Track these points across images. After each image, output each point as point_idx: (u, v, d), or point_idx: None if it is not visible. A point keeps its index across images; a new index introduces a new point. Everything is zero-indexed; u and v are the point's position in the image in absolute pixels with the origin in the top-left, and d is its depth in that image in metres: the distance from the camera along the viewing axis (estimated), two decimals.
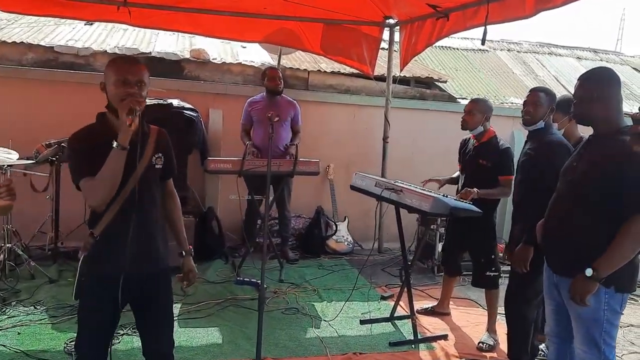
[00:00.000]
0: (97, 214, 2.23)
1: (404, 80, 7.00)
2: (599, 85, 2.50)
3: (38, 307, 4.12)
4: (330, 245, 6.16)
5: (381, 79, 6.46)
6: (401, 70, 5.93)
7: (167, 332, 2.45)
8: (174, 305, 2.54)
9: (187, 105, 5.48)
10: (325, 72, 6.81)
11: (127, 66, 2.20)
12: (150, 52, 6.31)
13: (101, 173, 2.11)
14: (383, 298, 4.83)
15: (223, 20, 5.67)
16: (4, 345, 3.50)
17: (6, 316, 3.95)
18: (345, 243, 6.24)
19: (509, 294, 3.49)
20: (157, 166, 2.32)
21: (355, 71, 6.57)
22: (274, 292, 4.78)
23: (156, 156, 2.31)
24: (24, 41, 5.96)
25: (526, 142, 3.46)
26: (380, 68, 6.57)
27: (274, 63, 6.55)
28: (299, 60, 7.09)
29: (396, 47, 6.11)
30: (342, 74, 6.85)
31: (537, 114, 3.36)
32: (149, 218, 2.29)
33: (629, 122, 2.48)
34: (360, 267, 5.22)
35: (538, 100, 3.37)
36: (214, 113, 6.07)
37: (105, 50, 6.16)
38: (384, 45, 6.34)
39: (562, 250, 2.60)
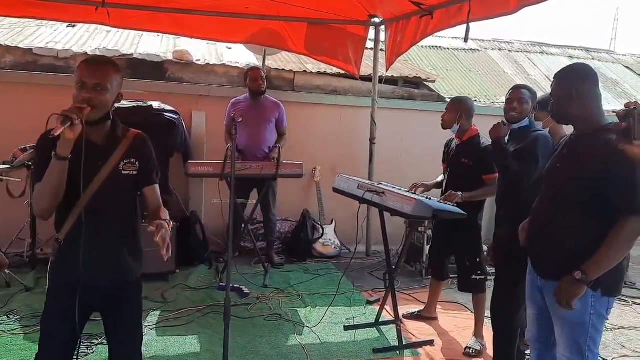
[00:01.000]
0: (61, 218, 2.13)
1: (391, 81, 6.91)
2: (575, 82, 2.41)
3: (11, 317, 3.99)
4: (317, 249, 6.05)
5: (368, 79, 6.36)
6: (387, 70, 5.84)
7: (131, 348, 2.32)
8: (146, 313, 2.44)
9: (168, 108, 5.37)
10: (311, 72, 6.71)
11: (89, 68, 2.08)
12: (132, 54, 6.21)
13: (43, 182, 2.01)
14: (369, 303, 4.73)
15: (206, 21, 5.57)
16: None
17: None
18: (333, 246, 6.13)
19: (495, 298, 3.39)
20: (125, 172, 2.18)
21: (342, 72, 6.47)
22: (257, 298, 4.66)
23: (125, 161, 2.17)
24: (2, 43, 5.85)
25: (508, 141, 3.37)
26: (367, 68, 6.47)
27: (259, 64, 6.45)
28: (284, 61, 6.99)
29: (382, 46, 6.01)
30: (329, 74, 6.75)
31: (524, 110, 3.32)
32: (111, 226, 2.17)
33: (611, 119, 2.38)
34: (344, 271, 5.11)
35: (522, 97, 3.33)
36: (197, 115, 5.96)
37: (86, 52, 6.05)
38: (370, 44, 6.24)
39: (548, 253, 2.50)
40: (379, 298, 4.76)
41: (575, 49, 11.66)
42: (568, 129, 3.24)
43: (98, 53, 6.09)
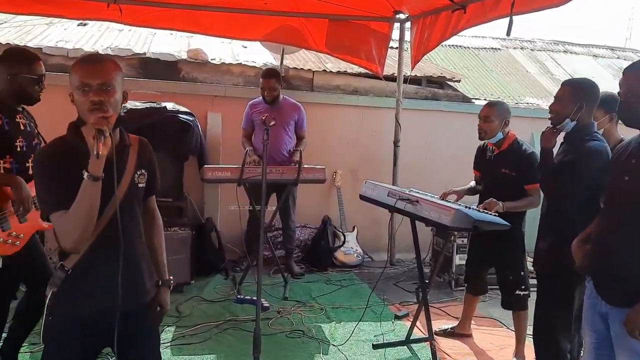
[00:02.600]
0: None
1: (415, 80, 6.59)
2: None
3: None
4: (338, 258, 5.75)
5: (391, 78, 6.05)
6: (412, 69, 5.53)
7: None
8: (160, 329, 2.19)
9: (183, 109, 5.09)
10: (331, 72, 6.41)
11: (88, 67, 1.77)
12: (144, 53, 5.95)
13: (73, 209, 1.69)
14: (397, 317, 4.41)
15: (221, 18, 5.30)
16: None
17: None
18: (355, 255, 5.82)
19: (537, 322, 3.05)
20: (140, 185, 1.94)
21: (363, 71, 6.18)
22: (277, 312, 4.37)
23: (139, 173, 1.93)
24: (11, 42, 5.61)
25: (562, 144, 3.03)
26: (390, 67, 6.17)
27: (277, 63, 6.17)
28: (303, 59, 6.70)
29: (406, 44, 5.70)
30: (349, 74, 6.45)
31: (561, 110, 2.89)
32: (134, 246, 1.91)
33: None
34: (373, 283, 4.79)
35: (561, 95, 2.91)
36: (212, 117, 5.68)
37: (97, 52, 5.79)
38: (393, 43, 5.94)
39: (617, 276, 2.19)
40: (408, 312, 4.48)
41: (599, 48, 11.26)
42: (623, 132, 2.94)
43: (110, 52, 5.84)
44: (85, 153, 1.69)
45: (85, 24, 6.83)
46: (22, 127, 2.80)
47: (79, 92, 1.74)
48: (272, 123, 2.73)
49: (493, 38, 10.47)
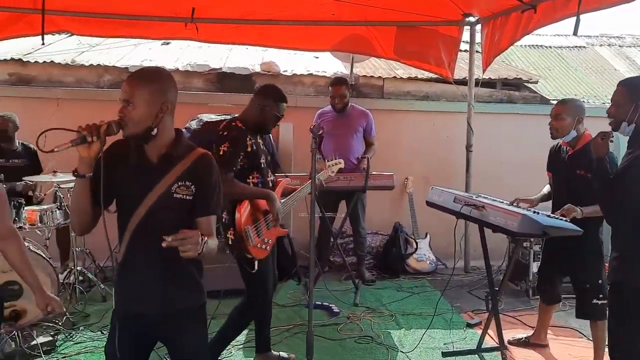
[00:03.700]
0: (119, 238, 2.01)
1: (489, 83, 6.44)
2: None
3: (105, 332, 4.02)
4: (410, 264, 5.71)
5: (462, 82, 5.95)
6: (484, 72, 5.42)
7: None
8: (207, 347, 2.27)
9: None
10: (401, 78, 6.40)
11: (124, 82, 1.95)
12: (220, 68, 6.23)
13: (71, 198, 1.96)
14: (469, 326, 4.33)
15: (292, 31, 5.48)
16: None
17: (72, 342, 3.89)
18: (428, 262, 5.76)
19: (611, 328, 2.88)
20: (176, 195, 1.98)
21: (434, 76, 6.12)
22: (347, 318, 4.42)
23: (179, 184, 1.98)
24: (101, 64, 6.07)
25: (628, 146, 2.87)
26: (461, 71, 6.08)
27: (347, 72, 6.25)
28: (373, 67, 6.74)
29: (477, 47, 5.60)
30: (420, 79, 6.41)
31: (618, 113, 2.75)
32: (159, 252, 1.92)
33: None
34: (442, 290, 4.73)
35: (616, 99, 2.76)
36: (283, 127, 5.84)
37: (177, 68, 6.15)
38: (463, 46, 5.85)
39: None
40: (481, 320, 4.37)
41: None
42: None
43: (189, 68, 6.18)
44: (128, 157, 1.96)
45: (168, 43, 7.25)
46: (262, 147, 3.27)
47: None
48: (321, 132, 2.82)
49: (577, 36, 9.97)
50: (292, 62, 6.74)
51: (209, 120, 5.12)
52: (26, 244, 3.98)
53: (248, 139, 3.14)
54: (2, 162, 4.82)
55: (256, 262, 3.14)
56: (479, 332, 3.96)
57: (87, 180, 1.89)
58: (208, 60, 6.48)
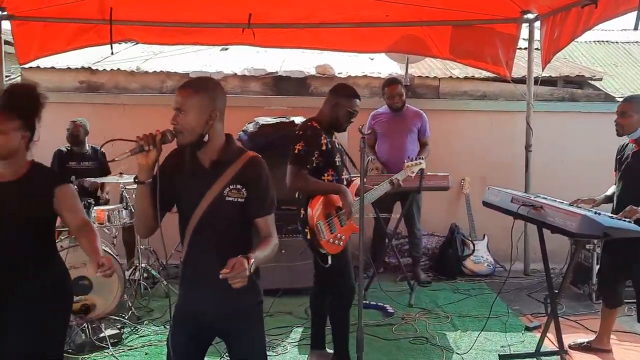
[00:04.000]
0: (182, 239, 2.12)
1: (549, 81, 6.27)
2: None
3: (167, 327, 4.18)
4: (467, 266, 5.63)
5: (522, 81, 5.82)
6: (543, 70, 5.27)
7: None
8: (290, 330, 2.34)
9: None
10: (457, 78, 6.33)
11: (176, 92, 2.05)
12: (276, 72, 6.36)
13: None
14: (528, 329, 4.23)
15: (346, 33, 5.54)
16: None
17: (137, 335, 4.08)
18: (485, 264, 5.66)
19: None
20: (228, 199, 2.05)
21: (492, 75, 6.00)
22: (402, 318, 4.42)
23: (231, 187, 2.06)
24: (163, 70, 6.33)
25: None
26: (520, 69, 5.94)
27: (402, 73, 6.24)
28: (428, 67, 6.69)
29: (537, 44, 5.46)
30: (477, 78, 6.31)
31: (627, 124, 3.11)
32: (216, 253, 2.03)
33: None
34: (503, 293, 4.62)
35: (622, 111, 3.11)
36: None
37: (235, 73, 6.33)
38: (522, 43, 5.72)
39: None
40: (540, 324, 4.25)
41: None
42: None
43: (246, 73, 6.34)
44: (188, 163, 2.08)
45: (226, 49, 7.46)
46: (337, 146, 3.38)
47: None
48: (369, 132, 2.86)
49: None
50: (347, 64, 6.79)
51: (265, 123, 5.24)
52: None
53: (322, 137, 3.23)
54: (74, 164, 5.11)
55: (329, 257, 3.21)
56: (538, 335, 3.87)
57: (148, 186, 2.00)
58: (265, 65, 6.62)
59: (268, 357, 2.35)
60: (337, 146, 3.39)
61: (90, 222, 2.52)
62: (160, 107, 5.94)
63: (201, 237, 2.07)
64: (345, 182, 3.41)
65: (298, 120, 5.34)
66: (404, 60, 6.08)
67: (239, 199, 2.06)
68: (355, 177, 3.71)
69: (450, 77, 6.35)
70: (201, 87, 2.05)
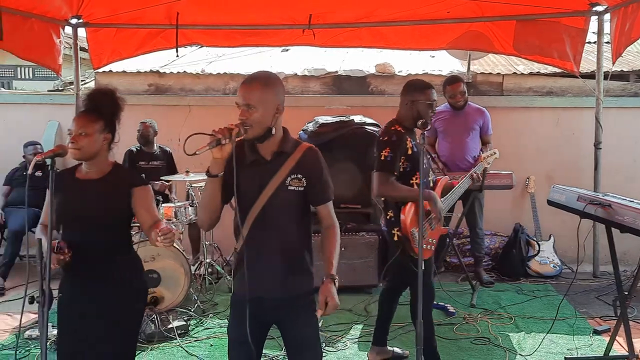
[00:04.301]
0: (237, 230, 2.17)
1: (620, 76, 6.00)
2: None
3: None
4: (532, 267, 5.48)
5: (590, 76, 5.60)
6: (614, 64, 5.05)
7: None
8: (349, 326, 2.37)
9: (369, 121, 5.38)
10: (522, 74, 6.17)
11: (240, 89, 2.10)
12: (337, 71, 6.41)
13: (201, 197, 2.14)
14: (596, 332, 4.08)
15: (406, 31, 5.52)
16: (196, 356, 3.74)
17: (203, 327, 4.23)
18: (551, 265, 5.48)
19: None
20: (290, 188, 2.14)
21: (559, 70, 5.82)
22: (463, 318, 4.36)
23: (292, 177, 2.14)
24: (227, 72, 6.52)
25: None
26: (589, 64, 5.73)
27: (464, 70, 6.15)
28: (492, 64, 6.56)
29: (606, 37, 5.24)
30: (542, 74, 6.13)
31: None
32: (275, 241, 2.14)
33: None
34: (570, 296, 4.47)
35: None
36: None
37: (296, 73, 6.43)
38: (592, 37, 5.51)
39: None
40: (609, 327, 4.09)
41: None
42: None
43: (307, 73, 6.43)
44: (248, 156, 2.14)
45: (287, 50, 7.59)
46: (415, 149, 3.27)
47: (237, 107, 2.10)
48: (428, 127, 2.82)
49: None
50: (407, 62, 6.76)
51: (325, 122, 5.29)
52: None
53: (408, 141, 3.20)
54: (143, 164, 5.35)
55: (422, 262, 3.16)
56: (607, 339, 3.73)
57: (219, 180, 2.08)
58: (324, 64, 6.69)
59: (328, 353, 2.40)
60: (415, 148, 3.30)
61: (161, 222, 2.63)
62: (223, 108, 6.13)
63: (263, 226, 2.12)
64: (431, 184, 3.37)
65: (358, 119, 5.37)
66: (465, 57, 6.00)
67: (299, 188, 2.16)
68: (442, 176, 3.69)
69: (515, 73, 6.19)
70: (268, 82, 2.12)
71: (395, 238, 3.24)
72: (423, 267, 3.20)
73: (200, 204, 2.23)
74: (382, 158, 3.15)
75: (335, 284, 2.13)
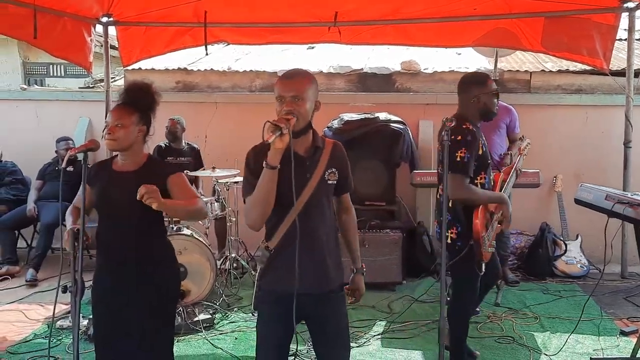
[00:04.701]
0: (272, 227, 2.19)
1: None
2: None
3: (255, 315, 4.37)
4: (559, 267, 5.41)
5: (621, 73, 5.49)
6: None
7: (342, 357, 2.31)
8: (372, 322, 2.41)
9: (394, 118, 5.38)
10: (550, 71, 6.10)
11: (285, 82, 2.11)
12: (362, 69, 6.42)
13: (255, 191, 2.08)
14: (623, 333, 4.02)
15: (432, 28, 5.49)
16: (221, 349, 3.81)
17: (228, 321, 4.30)
18: (578, 265, 5.41)
19: None
20: (329, 182, 2.21)
21: (588, 68, 5.73)
22: (487, 317, 4.34)
23: (329, 171, 2.20)
24: (252, 69, 6.58)
25: None
26: (619, 61, 5.63)
27: (491, 67, 6.09)
28: (519, 61, 6.49)
29: (637, 34, 5.15)
30: (571, 72, 6.05)
31: None
32: (317, 236, 2.19)
33: None
34: (597, 296, 4.42)
35: None
36: (424, 124, 5.88)
37: (321, 71, 6.45)
38: (621, 34, 5.41)
39: None
40: (637, 329, 4.05)
41: None
42: None
43: (332, 70, 6.45)
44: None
45: (312, 47, 7.62)
46: (484, 147, 3.18)
47: (277, 102, 2.10)
48: (452, 124, 2.78)
49: None
50: (433, 59, 6.73)
51: (350, 119, 5.32)
52: (190, 232, 4.51)
53: (479, 141, 3.09)
54: (171, 159, 5.45)
55: (483, 265, 3.12)
56: (634, 340, 3.68)
57: (276, 171, 2.05)
58: (350, 62, 6.70)
59: (351, 348, 2.41)
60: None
61: (198, 197, 2.67)
62: (249, 105, 6.23)
63: (303, 221, 2.11)
64: (492, 182, 3.31)
65: (383, 116, 5.38)
66: (492, 54, 5.93)
67: (334, 181, 2.22)
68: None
69: (543, 70, 6.13)
70: (310, 77, 2.17)
71: (449, 240, 3.08)
72: (484, 270, 3.17)
73: (254, 201, 2.10)
74: (458, 159, 2.97)
75: (363, 275, 2.29)
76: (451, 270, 3.20)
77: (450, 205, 3.05)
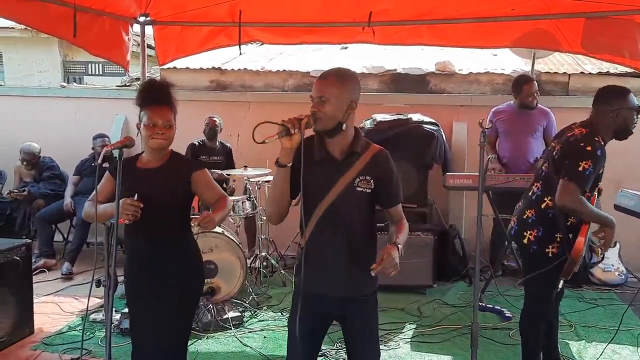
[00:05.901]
0: (303, 225, 2.19)
1: None
2: None
3: (284, 314, 4.39)
4: (595, 275, 5.27)
5: None
6: None
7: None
8: (402, 326, 2.37)
9: (427, 119, 5.32)
10: (589, 74, 5.94)
11: (316, 82, 2.14)
12: (395, 69, 6.37)
13: (270, 190, 2.16)
14: None
15: (468, 29, 5.37)
16: (250, 347, 3.82)
17: (257, 319, 4.32)
18: (616, 273, 5.26)
19: None
20: (358, 189, 2.15)
21: (629, 70, 5.56)
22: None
23: (361, 178, 2.15)
24: (285, 69, 6.60)
25: None
26: None
27: (527, 69, 5.97)
28: (557, 63, 6.35)
29: None
30: (612, 74, 5.88)
31: None
32: (343, 240, 2.16)
33: None
34: (630, 303, 4.29)
35: None
36: (457, 126, 5.80)
37: (354, 71, 6.40)
38: None
39: None
40: None
41: None
42: None
43: (365, 71, 6.42)
44: (314, 152, 2.14)
45: (346, 47, 7.60)
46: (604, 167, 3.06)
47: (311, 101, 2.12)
48: (490, 125, 2.70)
49: None
50: (467, 60, 6.63)
51: (382, 119, 5.28)
52: (221, 229, 4.55)
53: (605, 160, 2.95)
54: (204, 158, 5.51)
55: (562, 282, 3.02)
56: None
57: (288, 170, 2.09)
58: (383, 62, 6.66)
59: (381, 351, 2.39)
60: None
61: (226, 196, 2.70)
62: (282, 104, 6.23)
63: (329, 224, 2.14)
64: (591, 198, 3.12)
65: (416, 117, 5.32)
66: (529, 56, 5.81)
67: (367, 189, 2.16)
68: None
69: (582, 73, 5.98)
70: (344, 77, 2.16)
71: (550, 255, 2.97)
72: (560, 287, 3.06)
73: (271, 197, 2.22)
74: (581, 169, 2.81)
75: (398, 249, 2.09)
76: (530, 278, 3.09)
77: (551, 210, 2.98)
